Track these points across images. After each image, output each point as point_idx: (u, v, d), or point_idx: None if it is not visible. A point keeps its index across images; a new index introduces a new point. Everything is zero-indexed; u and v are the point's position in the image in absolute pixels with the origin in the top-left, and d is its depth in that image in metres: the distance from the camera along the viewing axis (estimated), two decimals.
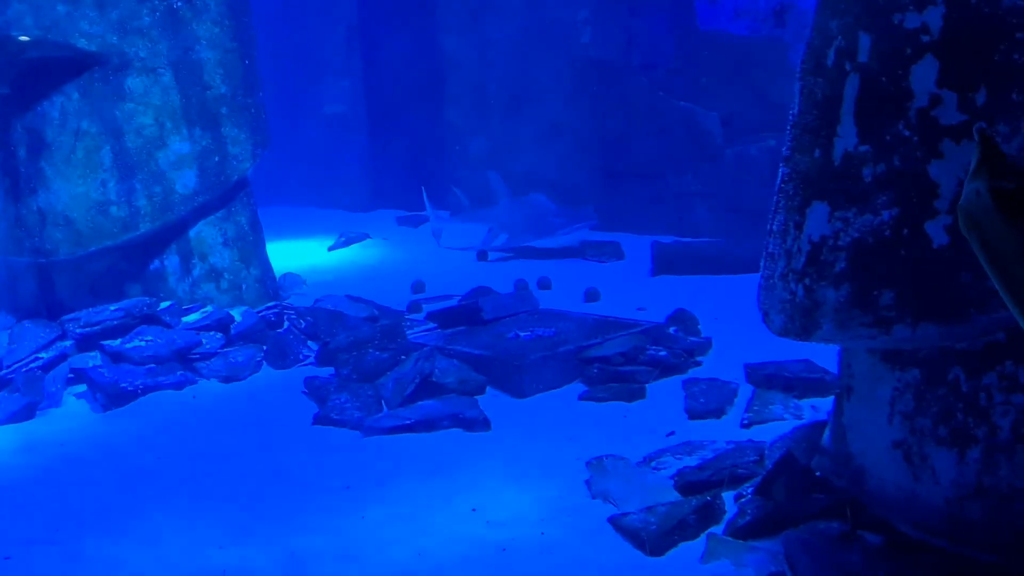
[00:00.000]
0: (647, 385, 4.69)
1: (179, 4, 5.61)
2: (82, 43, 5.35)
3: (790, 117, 2.89)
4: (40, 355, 5.39)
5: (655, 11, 9.62)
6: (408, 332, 5.61)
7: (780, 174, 2.90)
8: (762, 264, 2.97)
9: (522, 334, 5.16)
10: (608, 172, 9.95)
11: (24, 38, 5.12)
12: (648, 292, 6.70)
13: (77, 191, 5.50)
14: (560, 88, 10.42)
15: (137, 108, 5.58)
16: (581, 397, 4.66)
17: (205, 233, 6.09)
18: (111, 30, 5.43)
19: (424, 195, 9.82)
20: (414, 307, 6.55)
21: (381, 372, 4.91)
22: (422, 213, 11.18)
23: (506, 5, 10.75)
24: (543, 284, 7.05)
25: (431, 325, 5.74)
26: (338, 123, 13.09)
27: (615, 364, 4.70)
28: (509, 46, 10.88)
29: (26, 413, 4.99)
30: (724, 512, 3.31)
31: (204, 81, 5.84)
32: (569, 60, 10.17)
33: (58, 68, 5.38)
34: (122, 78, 5.52)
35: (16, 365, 5.29)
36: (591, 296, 6.59)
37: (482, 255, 8.79)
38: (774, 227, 2.89)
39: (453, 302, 6.35)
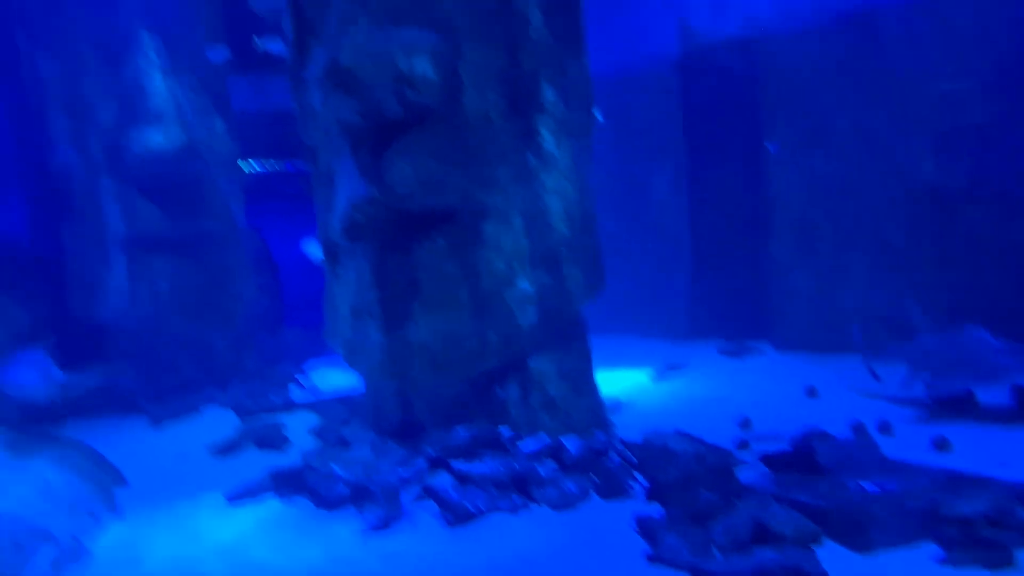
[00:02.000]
0: (1016, 552, 4.21)
1: (533, 161, 6.23)
2: (450, 197, 6.09)
3: None
4: (398, 472, 5.99)
5: (1007, 138, 9.01)
6: (737, 472, 5.52)
7: None
8: None
9: (865, 485, 4.88)
10: (951, 308, 9.25)
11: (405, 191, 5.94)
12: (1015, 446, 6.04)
13: (438, 325, 6.15)
14: (895, 220, 9.98)
15: (491, 252, 6.20)
16: (936, 560, 4.28)
17: (543, 365, 6.51)
18: (474, 184, 6.13)
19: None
20: (742, 445, 6.44)
21: (712, 514, 4.86)
22: (745, 343, 11.03)
23: (835, 140, 10.62)
24: (883, 429, 6.62)
25: (762, 467, 5.61)
26: (660, 254, 13.46)
27: (978, 527, 4.28)
28: (839, 179, 10.67)
29: (384, 524, 5.54)
30: None
31: (549, 226, 6.37)
32: (906, 191, 9.75)
33: (429, 218, 6.14)
34: (480, 226, 6.18)
35: (379, 479, 5.92)
36: (941, 446, 6.07)
37: (811, 391, 8.43)
38: None
39: (784, 443, 6.15)
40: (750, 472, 5.61)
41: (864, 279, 10.44)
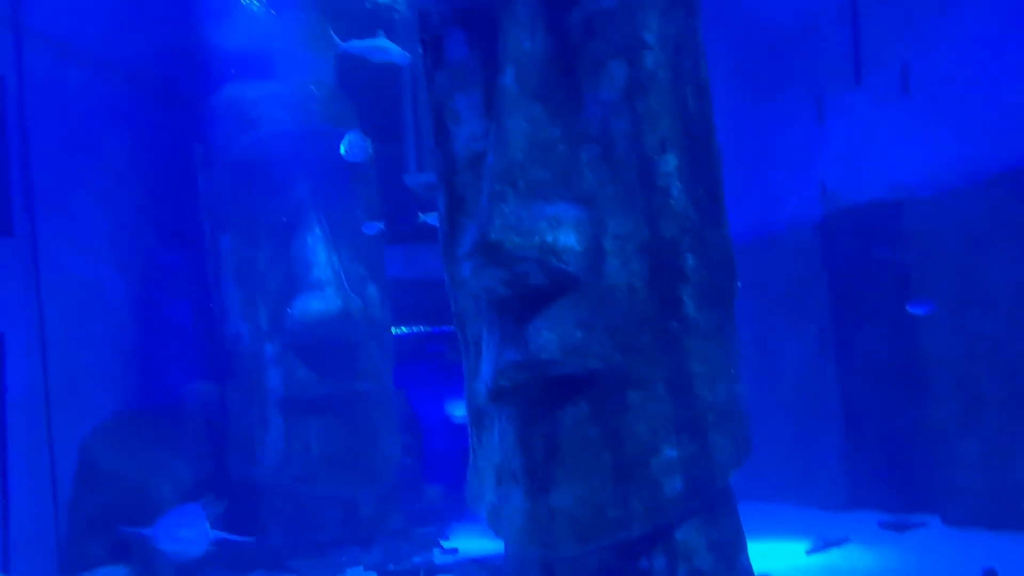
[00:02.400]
0: None
1: (676, 327, 6.30)
2: (593, 362, 6.19)
3: None
4: None
5: None
6: None
7: None
8: None
9: None
10: None
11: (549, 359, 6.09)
12: None
13: (581, 492, 6.12)
14: None
15: (635, 418, 6.20)
16: None
17: (690, 536, 6.32)
18: (618, 351, 6.22)
19: None
20: None
21: None
22: (908, 517, 10.34)
23: (994, 299, 10.21)
24: None
25: None
26: (809, 418, 12.98)
27: None
28: (1001, 339, 10.17)
29: None
30: None
31: (693, 392, 6.34)
32: None
33: (573, 383, 6.24)
34: (624, 392, 6.22)
35: None
36: None
37: (990, 574, 7.76)
38: None
39: None
40: None
41: None
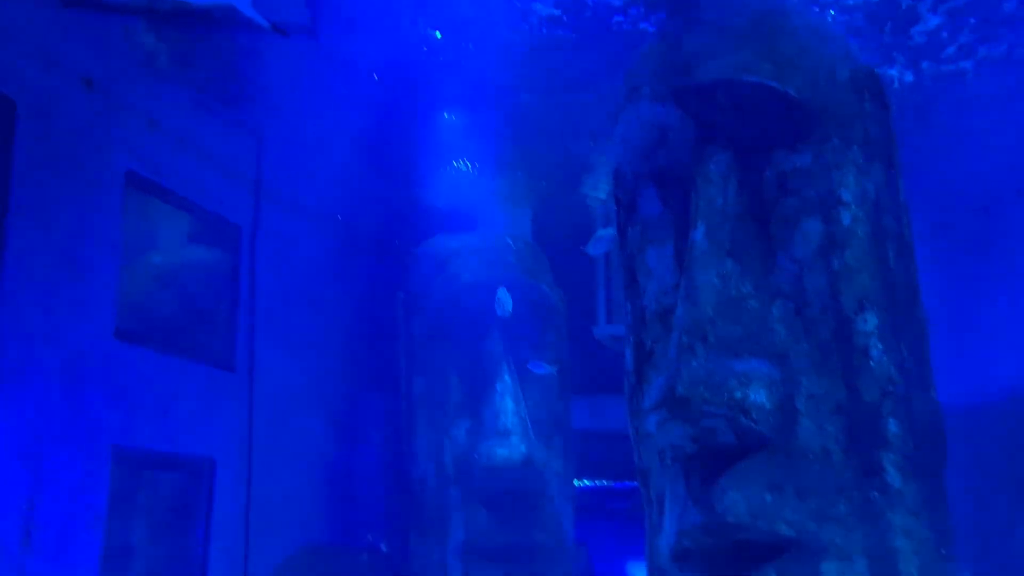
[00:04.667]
0: None
1: (877, 498, 5.87)
2: (784, 529, 5.84)
3: None
4: None
5: None
6: None
7: None
8: None
9: None
10: None
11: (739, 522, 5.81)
12: None
13: None
14: None
15: None
16: None
17: None
18: (810, 519, 5.85)
19: None
20: None
21: None
22: None
23: None
24: None
25: None
26: None
27: None
28: None
29: None
30: None
31: (898, 569, 5.81)
32: None
33: (761, 549, 5.89)
34: (817, 562, 5.80)
35: None
36: None
37: None
38: None
39: None
40: None
41: None
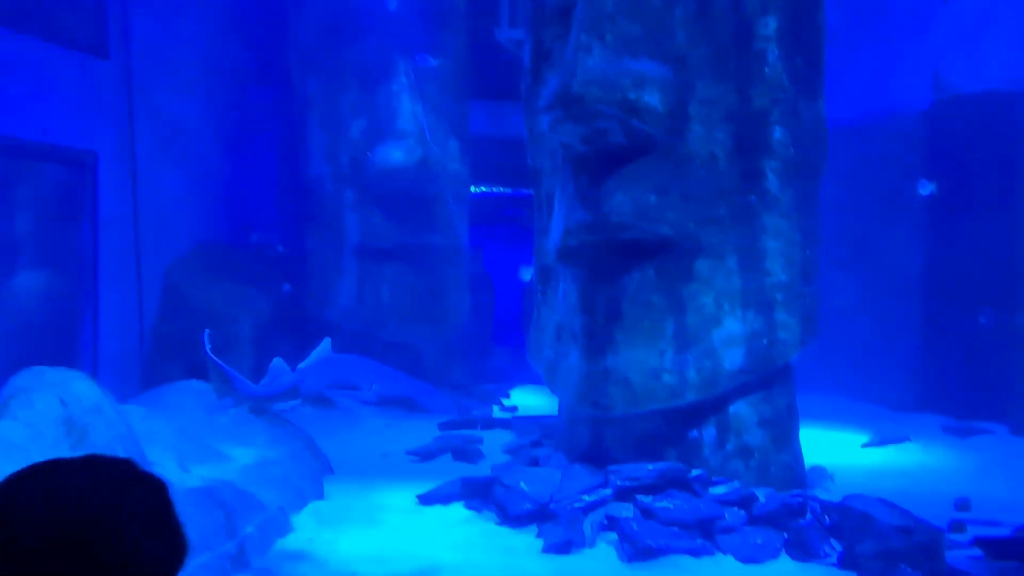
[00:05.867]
0: None
1: (755, 201, 6.09)
2: (665, 230, 6.07)
3: None
4: (583, 497, 5.99)
5: None
6: (947, 554, 5.07)
7: None
8: None
9: None
10: None
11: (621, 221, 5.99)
12: None
13: (638, 356, 6.13)
14: None
15: (701, 288, 6.11)
16: None
17: (743, 411, 6.30)
18: (691, 220, 6.08)
19: None
20: (956, 527, 5.90)
21: None
22: (975, 423, 10.15)
23: None
24: None
25: (977, 552, 5.12)
26: (887, 314, 12.64)
27: None
28: None
29: (564, 547, 5.56)
30: None
31: (765, 268, 6.19)
32: None
33: (642, 248, 6.15)
34: (693, 261, 6.11)
35: (564, 502, 5.96)
36: None
37: None
38: None
39: (1006, 530, 5.58)
40: (963, 557, 5.14)
41: None
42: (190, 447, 6.21)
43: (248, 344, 11.06)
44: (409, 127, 11.33)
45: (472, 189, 13.41)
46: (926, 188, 10.43)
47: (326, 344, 9.84)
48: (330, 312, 11.76)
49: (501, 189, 17.34)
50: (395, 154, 11.27)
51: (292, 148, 12.34)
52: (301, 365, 9.63)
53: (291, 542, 5.58)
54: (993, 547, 4.98)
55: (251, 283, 11.72)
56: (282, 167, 12.80)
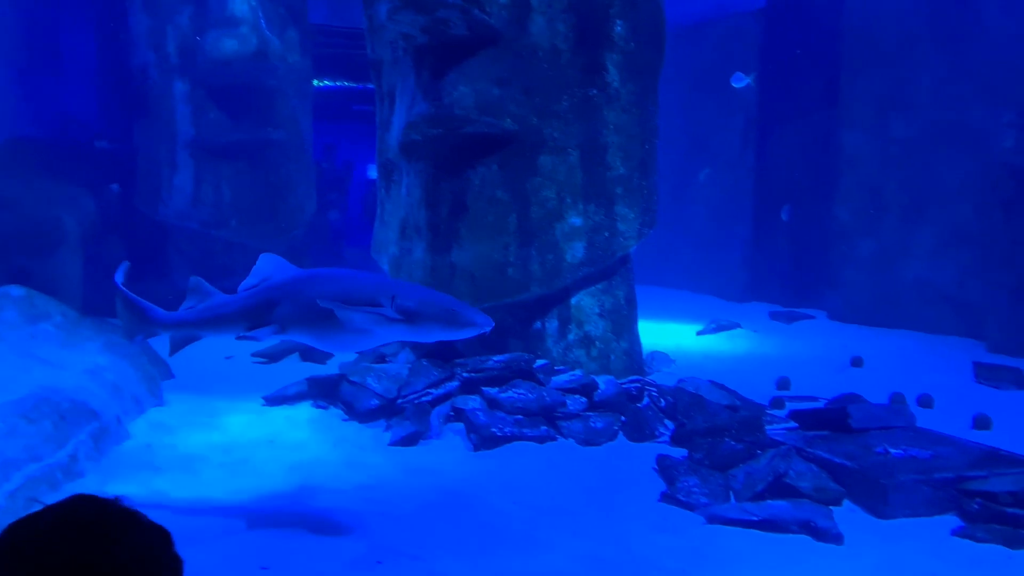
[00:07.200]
0: None
1: (594, 92, 6.13)
2: (508, 123, 6.04)
3: None
4: (430, 391, 6.07)
5: None
6: (767, 427, 5.48)
7: None
8: None
9: (892, 450, 4.80)
10: (1018, 288, 8.96)
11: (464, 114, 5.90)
12: None
13: (483, 251, 6.17)
14: (968, 194, 9.64)
15: (544, 183, 6.16)
16: (955, 532, 4.21)
17: (584, 302, 6.49)
18: (534, 113, 6.07)
19: None
20: (776, 403, 6.38)
21: (734, 463, 4.85)
22: (798, 310, 10.86)
23: (915, 101, 10.22)
24: (924, 402, 6.50)
25: (792, 424, 5.56)
26: (721, 210, 13.21)
27: (1002, 503, 4.19)
28: (913, 145, 10.31)
29: (412, 440, 5.64)
30: None
31: (606, 162, 6.30)
32: (983, 164, 9.38)
33: (485, 142, 6.11)
34: (535, 155, 6.14)
35: (411, 396, 6.02)
36: (981, 423, 5.93)
37: (856, 361, 8.27)
38: None
39: (819, 404, 6.08)
40: (780, 429, 5.56)
41: (929, 253, 10.13)
42: (10, 357, 5.84)
43: (74, 249, 10.33)
44: (243, 13, 10.64)
45: (316, 83, 12.85)
46: (740, 81, 10.81)
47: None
48: (164, 211, 11.17)
49: (348, 84, 16.74)
50: (228, 43, 10.60)
51: (114, 34, 11.40)
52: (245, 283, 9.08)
53: (128, 449, 5.40)
54: (806, 419, 5.42)
55: (74, 181, 10.92)
56: (103, 56, 11.83)
